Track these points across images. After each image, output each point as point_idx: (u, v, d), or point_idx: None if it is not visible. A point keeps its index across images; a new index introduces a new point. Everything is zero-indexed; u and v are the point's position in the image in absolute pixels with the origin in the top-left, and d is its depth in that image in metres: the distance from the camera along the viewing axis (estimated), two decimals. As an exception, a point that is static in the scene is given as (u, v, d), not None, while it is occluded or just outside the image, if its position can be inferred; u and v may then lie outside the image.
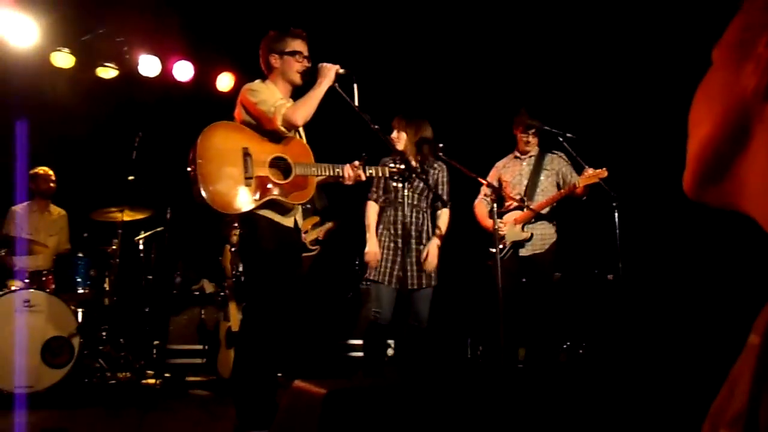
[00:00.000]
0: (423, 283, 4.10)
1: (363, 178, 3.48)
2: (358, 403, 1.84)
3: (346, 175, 3.42)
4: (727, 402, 0.49)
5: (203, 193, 3.10)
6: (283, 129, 3.27)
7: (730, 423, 0.48)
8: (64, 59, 6.32)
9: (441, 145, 4.05)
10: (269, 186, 3.24)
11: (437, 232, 4.18)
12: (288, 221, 3.36)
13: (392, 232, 4.16)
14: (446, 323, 6.11)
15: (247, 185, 3.19)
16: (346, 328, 6.11)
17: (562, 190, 4.49)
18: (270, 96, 3.32)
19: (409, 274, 4.01)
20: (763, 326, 0.49)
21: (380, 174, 3.60)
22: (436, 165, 4.21)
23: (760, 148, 0.57)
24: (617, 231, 4.37)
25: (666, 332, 5.08)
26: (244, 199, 3.19)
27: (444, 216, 4.22)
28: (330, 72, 3.35)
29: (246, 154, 3.22)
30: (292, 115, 3.23)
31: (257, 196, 3.20)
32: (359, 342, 5.88)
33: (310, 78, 3.42)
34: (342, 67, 3.39)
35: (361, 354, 5.81)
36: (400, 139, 4.11)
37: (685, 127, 0.64)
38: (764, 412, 0.45)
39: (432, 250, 4.11)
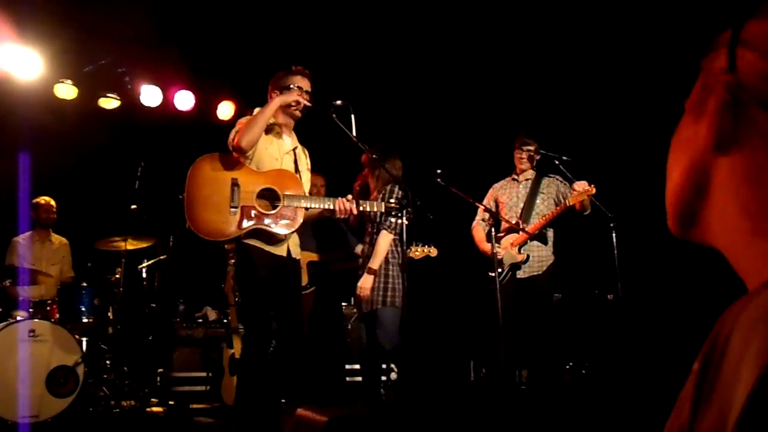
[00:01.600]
0: (364, 307, 4.14)
1: (355, 212, 3.52)
2: (358, 430, 1.88)
3: (337, 209, 3.47)
4: (676, 420, 0.55)
5: (189, 220, 3.21)
6: (236, 154, 3.34)
7: None
8: (66, 91, 6.41)
9: (439, 171, 4.10)
10: (254, 215, 3.31)
11: (372, 262, 4.11)
12: (279, 250, 3.42)
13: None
14: (448, 346, 6.12)
15: (232, 214, 3.28)
16: (349, 353, 6.12)
17: (557, 208, 4.53)
18: None
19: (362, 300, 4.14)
20: (702, 354, 0.54)
21: (375, 209, 3.64)
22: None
23: (718, 195, 0.62)
24: (615, 251, 4.40)
25: (668, 350, 5.09)
26: (227, 227, 3.28)
27: (381, 239, 4.12)
28: (274, 100, 3.42)
29: (234, 184, 3.32)
30: (235, 139, 3.30)
31: (242, 225, 3.29)
32: (354, 366, 5.91)
33: (310, 110, 3.51)
34: (339, 99, 3.47)
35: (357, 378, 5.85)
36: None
37: None
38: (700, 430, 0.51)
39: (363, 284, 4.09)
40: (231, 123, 3.52)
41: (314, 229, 5.47)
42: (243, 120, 3.46)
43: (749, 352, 0.47)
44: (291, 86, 3.49)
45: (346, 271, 5.58)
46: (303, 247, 5.46)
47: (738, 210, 0.60)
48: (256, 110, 3.59)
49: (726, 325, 0.52)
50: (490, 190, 4.91)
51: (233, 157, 3.37)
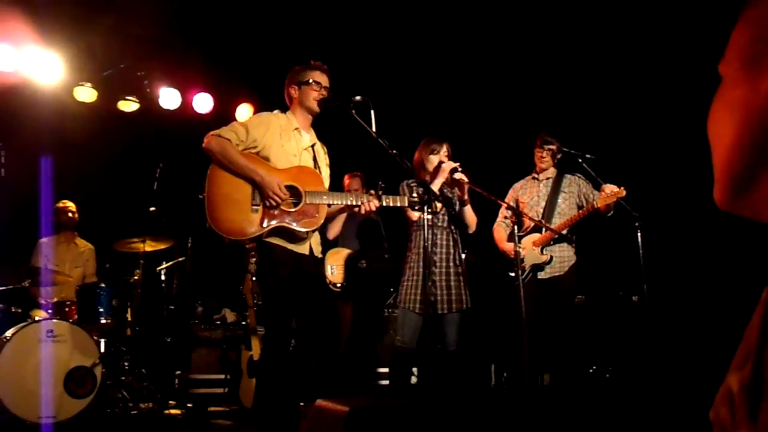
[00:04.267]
0: (453, 307, 4.01)
1: (376, 206, 3.44)
2: (380, 421, 1.82)
3: (360, 204, 3.41)
4: (744, 350, 0.53)
5: (209, 219, 3.16)
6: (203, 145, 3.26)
7: (742, 363, 0.52)
8: (86, 94, 6.45)
9: (459, 167, 4.03)
10: (276, 213, 3.25)
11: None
12: (302, 248, 3.36)
13: (420, 256, 4.07)
14: (470, 349, 6.03)
15: (254, 212, 3.22)
16: (372, 355, 6.06)
17: (582, 211, 4.45)
18: (255, 127, 3.34)
19: (438, 298, 3.98)
20: None
21: (398, 204, 3.56)
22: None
23: None
24: (641, 251, 4.31)
25: (695, 353, 4.98)
26: (249, 226, 3.22)
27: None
28: (255, 176, 3.26)
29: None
30: (213, 138, 3.22)
31: (264, 224, 3.22)
32: (384, 369, 5.83)
33: (328, 106, 3.47)
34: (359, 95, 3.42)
35: (386, 381, 5.77)
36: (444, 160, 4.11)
37: (707, 146, 0.64)
38: None
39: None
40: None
41: (358, 229, 5.47)
42: (254, 119, 3.44)
43: None
44: (309, 81, 3.45)
45: (384, 271, 5.54)
46: (342, 244, 5.47)
47: None
48: (276, 111, 3.55)
49: None
50: (510, 191, 4.84)
51: (253, 155, 3.33)
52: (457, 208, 4.10)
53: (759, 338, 0.49)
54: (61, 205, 5.69)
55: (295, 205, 3.31)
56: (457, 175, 3.88)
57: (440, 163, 4.00)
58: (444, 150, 4.12)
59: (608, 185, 4.31)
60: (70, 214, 5.68)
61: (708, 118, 0.64)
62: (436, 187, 3.84)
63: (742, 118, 0.59)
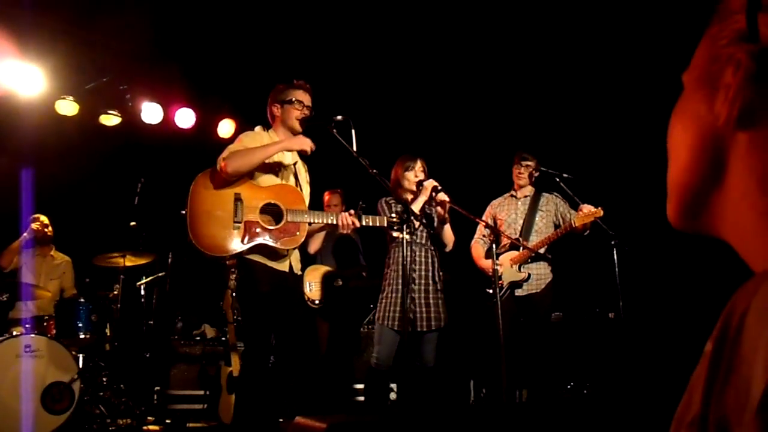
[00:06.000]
0: (432, 325, 4.00)
1: (357, 225, 3.49)
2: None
3: (340, 224, 3.44)
4: (688, 406, 0.52)
5: (191, 234, 3.19)
6: (225, 174, 3.28)
7: (689, 425, 0.51)
8: (68, 107, 6.43)
9: (439, 186, 4.08)
10: (258, 231, 3.29)
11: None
12: (281, 266, 3.39)
13: (399, 272, 4.04)
14: (448, 366, 6.07)
15: (235, 229, 3.25)
16: (350, 371, 6.07)
17: (559, 230, 4.51)
18: (248, 143, 3.39)
19: (417, 316, 3.97)
20: (715, 334, 0.51)
21: (377, 224, 3.60)
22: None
23: (736, 178, 0.57)
24: (617, 269, 4.38)
25: (670, 369, 5.05)
26: (230, 243, 3.25)
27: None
28: (282, 144, 3.39)
29: (237, 199, 3.29)
30: (224, 164, 3.25)
31: (245, 241, 3.26)
32: (361, 386, 5.84)
33: (310, 125, 3.51)
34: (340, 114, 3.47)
35: (362, 398, 5.77)
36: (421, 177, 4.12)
37: None
38: (713, 414, 0.48)
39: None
40: (231, 141, 3.50)
41: (334, 246, 5.50)
42: (243, 137, 3.46)
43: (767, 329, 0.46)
44: (292, 100, 3.50)
45: (362, 289, 5.57)
46: (321, 261, 5.50)
47: (759, 189, 0.55)
48: (258, 128, 3.59)
49: (740, 304, 0.50)
50: (488, 208, 4.90)
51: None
52: (436, 226, 4.14)
53: (703, 401, 0.49)
54: (32, 219, 5.55)
55: (277, 223, 3.35)
56: (439, 196, 3.91)
57: (421, 182, 4.03)
58: (419, 166, 4.14)
59: (586, 205, 4.38)
60: (45, 230, 5.58)
61: (668, 129, 0.65)
62: (417, 206, 3.87)
63: (695, 137, 0.60)
